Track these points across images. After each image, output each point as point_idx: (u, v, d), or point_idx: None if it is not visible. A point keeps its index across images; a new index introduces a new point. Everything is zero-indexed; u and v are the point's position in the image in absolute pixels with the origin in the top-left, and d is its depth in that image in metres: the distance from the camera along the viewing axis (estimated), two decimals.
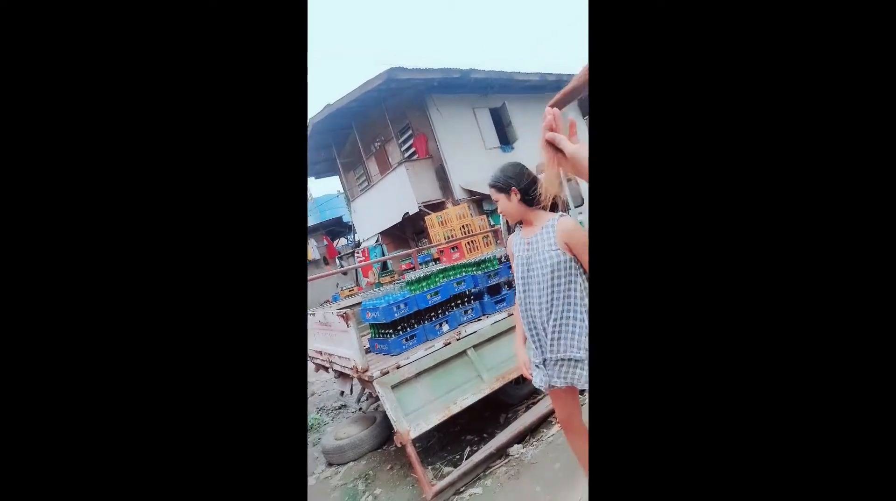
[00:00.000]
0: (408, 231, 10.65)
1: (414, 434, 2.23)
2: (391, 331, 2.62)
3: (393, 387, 2.31)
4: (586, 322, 1.44)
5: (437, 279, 2.85)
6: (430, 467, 2.57)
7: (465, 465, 2.31)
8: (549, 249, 1.42)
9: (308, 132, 9.80)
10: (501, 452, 2.41)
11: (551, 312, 1.44)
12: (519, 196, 1.49)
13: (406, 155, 9.70)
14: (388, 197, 9.64)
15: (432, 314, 2.77)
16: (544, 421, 2.61)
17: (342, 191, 13.08)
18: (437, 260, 7.43)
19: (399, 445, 2.21)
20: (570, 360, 1.45)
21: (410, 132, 9.74)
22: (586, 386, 1.44)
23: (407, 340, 2.64)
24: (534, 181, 1.49)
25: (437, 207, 8.96)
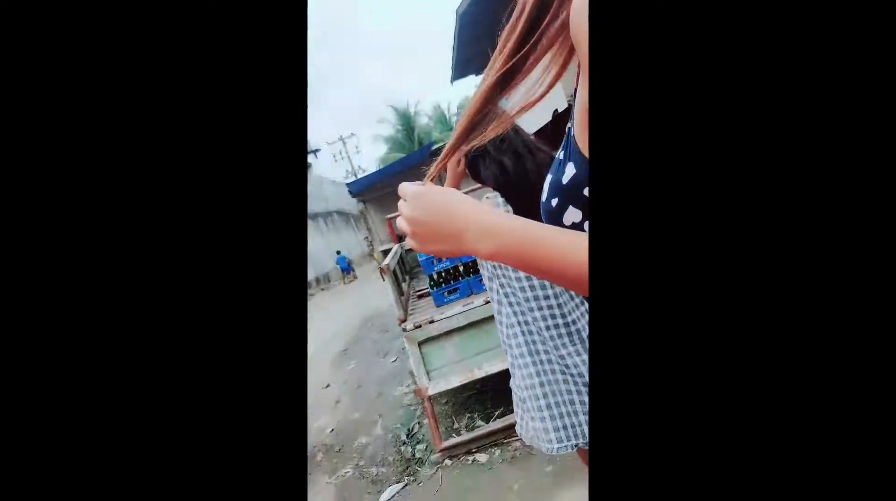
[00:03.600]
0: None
1: (432, 392, 2.29)
2: (433, 283, 2.57)
3: (420, 343, 2.35)
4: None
5: None
6: (467, 415, 2.65)
7: (481, 430, 2.29)
8: None
9: (456, 26, 9.20)
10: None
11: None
12: None
13: None
14: None
15: None
16: None
17: None
18: None
19: (418, 399, 2.31)
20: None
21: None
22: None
23: (449, 292, 2.57)
24: None
25: None
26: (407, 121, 23.08)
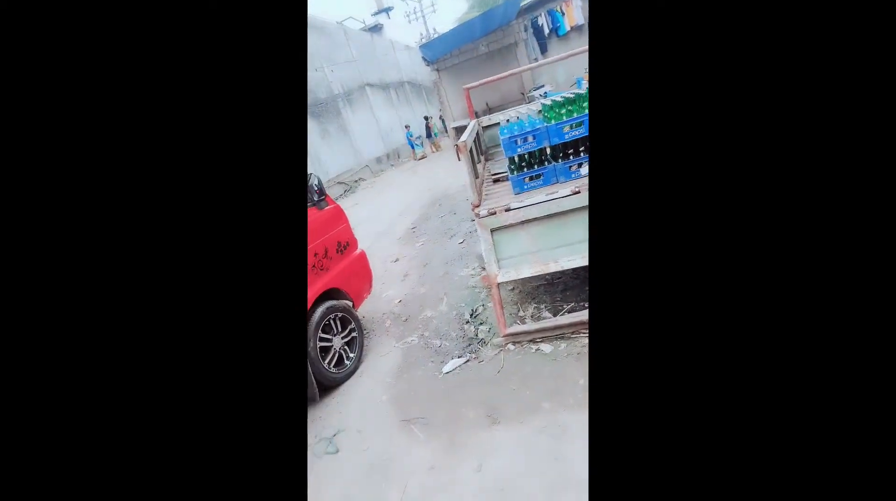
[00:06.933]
0: None
1: (501, 280, 2.22)
2: (513, 167, 2.32)
3: (493, 230, 2.22)
4: None
5: (581, 106, 2.18)
6: (533, 305, 2.60)
7: (548, 322, 2.24)
8: None
9: None
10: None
11: None
12: None
13: None
14: None
15: (570, 151, 2.25)
16: None
17: None
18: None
19: (485, 285, 2.27)
20: None
21: None
22: None
23: (530, 179, 2.32)
24: None
25: None
26: None
